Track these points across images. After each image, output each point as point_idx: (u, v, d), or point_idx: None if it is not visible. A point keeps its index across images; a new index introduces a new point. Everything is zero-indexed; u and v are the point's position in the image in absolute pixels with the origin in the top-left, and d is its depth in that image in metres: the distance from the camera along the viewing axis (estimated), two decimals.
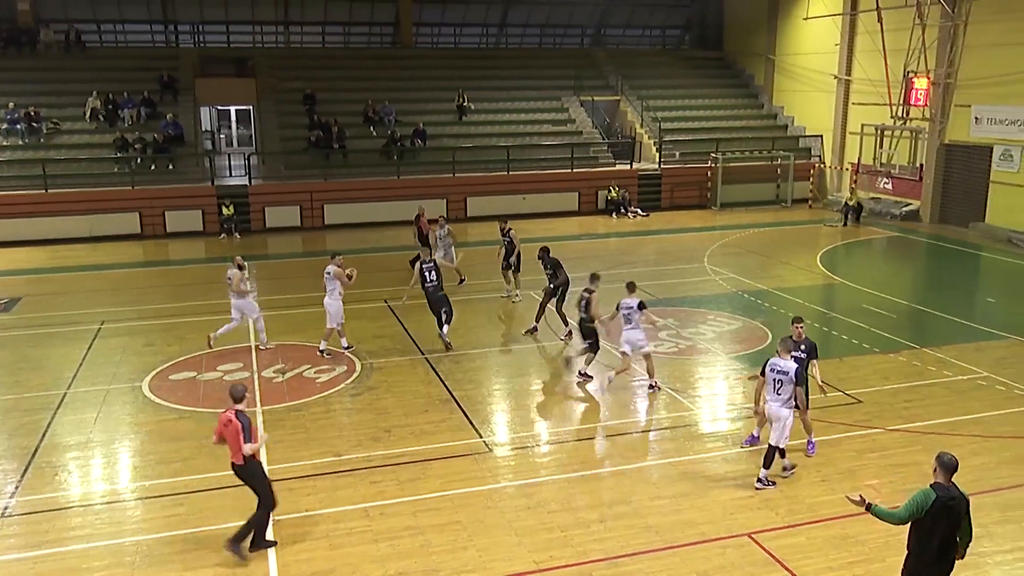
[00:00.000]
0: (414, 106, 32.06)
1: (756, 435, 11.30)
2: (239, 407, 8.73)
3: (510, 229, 18.81)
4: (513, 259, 18.67)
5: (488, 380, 13.98)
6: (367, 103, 31.06)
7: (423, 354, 15.09)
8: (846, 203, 29.03)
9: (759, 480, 10.09)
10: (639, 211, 30.44)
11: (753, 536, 9.03)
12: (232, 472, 8.80)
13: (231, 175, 30.07)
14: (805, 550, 8.77)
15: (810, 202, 32.36)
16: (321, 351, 14.93)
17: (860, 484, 10.14)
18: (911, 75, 27.69)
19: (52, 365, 14.64)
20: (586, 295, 13.65)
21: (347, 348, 15.17)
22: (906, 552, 7.00)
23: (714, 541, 8.94)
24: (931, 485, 6.76)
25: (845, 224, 28.27)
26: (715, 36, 40.30)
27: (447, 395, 13.16)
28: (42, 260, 23.45)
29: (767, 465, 10.09)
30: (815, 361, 11.04)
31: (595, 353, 13.87)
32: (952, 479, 6.72)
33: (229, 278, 15.04)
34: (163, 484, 10.30)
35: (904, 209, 29.18)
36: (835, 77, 31.84)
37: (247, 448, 8.53)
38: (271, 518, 8.95)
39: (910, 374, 13.98)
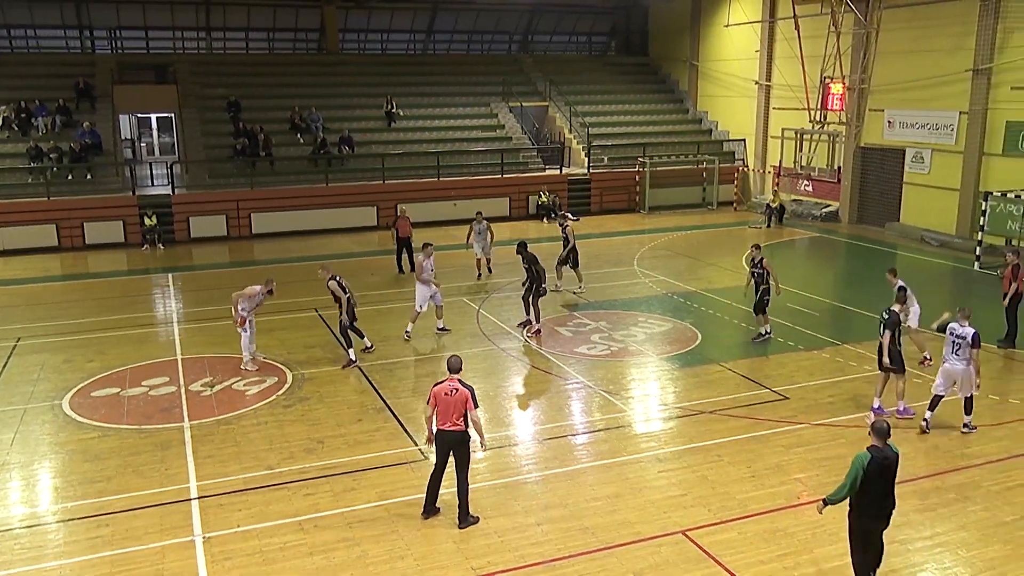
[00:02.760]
0: (342, 112, 31.78)
1: (879, 406, 12.45)
2: (458, 376, 9.24)
3: (567, 225, 19.54)
4: (567, 254, 19.50)
5: (423, 387, 13.88)
6: (294, 110, 30.63)
7: (355, 363, 14.93)
8: (769, 205, 29.85)
9: (965, 426, 11.70)
10: (569, 215, 30.60)
11: (687, 533, 9.19)
12: (442, 440, 9.15)
13: (153, 184, 29.30)
14: (737, 545, 8.97)
15: (735, 205, 33.17)
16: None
17: (788, 479, 10.43)
18: (827, 80, 28.67)
19: None
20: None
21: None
22: (848, 509, 7.81)
23: (649, 540, 9.07)
24: (867, 448, 7.66)
25: (769, 226, 29.06)
26: (640, 43, 41.02)
27: (381, 404, 13.05)
28: None
29: (969, 411, 11.65)
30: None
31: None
32: (886, 442, 7.64)
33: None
34: (86, 505, 9.95)
35: (824, 210, 30.15)
36: (756, 83, 32.73)
37: (477, 414, 9.14)
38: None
39: (833, 370, 14.44)
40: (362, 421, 12.39)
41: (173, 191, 27.38)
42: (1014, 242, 22.73)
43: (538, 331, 16.48)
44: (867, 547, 7.87)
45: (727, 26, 33.73)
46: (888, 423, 7.76)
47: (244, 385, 13.88)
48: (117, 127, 30.93)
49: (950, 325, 11.68)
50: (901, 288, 13.20)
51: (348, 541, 9.09)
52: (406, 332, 16.27)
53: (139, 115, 38.03)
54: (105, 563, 8.74)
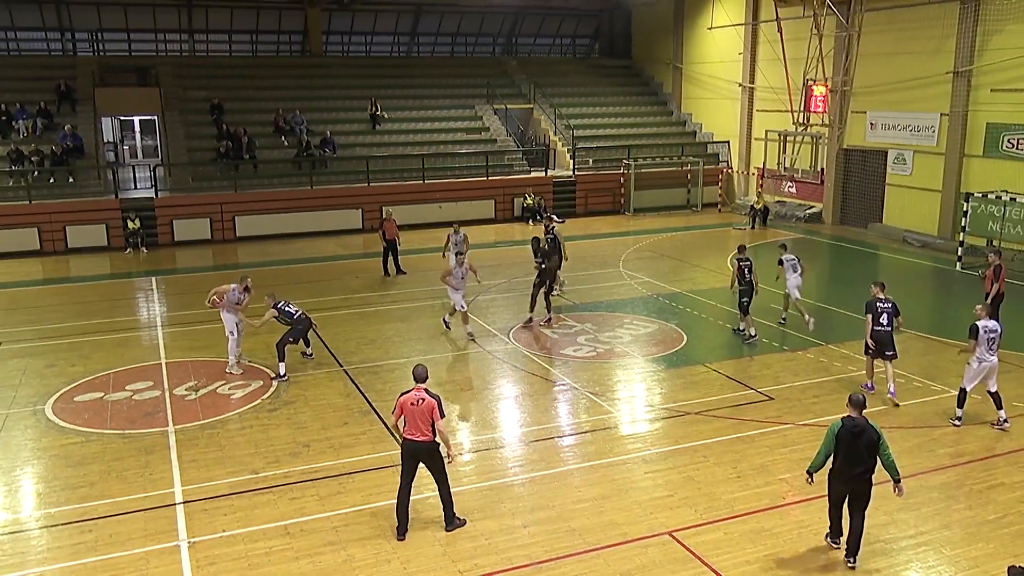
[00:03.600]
0: (326, 115, 31.70)
1: (871, 385, 13.39)
2: (424, 386, 9.11)
3: (553, 226, 19.28)
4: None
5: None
6: (277, 113, 30.52)
7: (341, 366, 14.89)
8: (753, 207, 30.00)
9: (1003, 420, 11.92)
10: (555, 217, 30.68)
11: (673, 534, 9.22)
12: (409, 450, 9.02)
13: (136, 187, 29.08)
14: (723, 545, 9.00)
15: (719, 206, 33.32)
16: None
17: (773, 479, 10.48)
18: (810, 83, 28.78)
19: None
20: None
21: None
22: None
23: (636, 541, 9.09)
24: (841, 417, 8.49)
25: (753, 227, 29.20)
26: (624, 45, 41.13)
27: (367, 407, 13.01)
28: None
29: (1001, 406, 11.90)
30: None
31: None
32: (862, 413, 8.37)
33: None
34: (69, 511, 9.86)
35: (807, 212, 30.34)
36: (739, 85, 32.90)
37: (443, 423, 8.99)
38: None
39: (817, 370, 14.52)
40: (348, 424, 12.35)
41: (156, 194, 27.21)
42: (995, 242, 22.95)
43: (530, 320, 17.20)
44: (838, 510, 8.74)
45: (710, 28, 33.87)
46: (863, 395, 8.61)
47: (229, 389, 13.81)
48: (99, 130, 30.72)
49: (980, 324, 11.78)
50: (780, 260, 16.18)
51: (334, 545, 9.06)
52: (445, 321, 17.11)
53: (121, 118, 37.76)
54: (89, 569, 8.66)
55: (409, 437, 9.03)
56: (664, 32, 37.44)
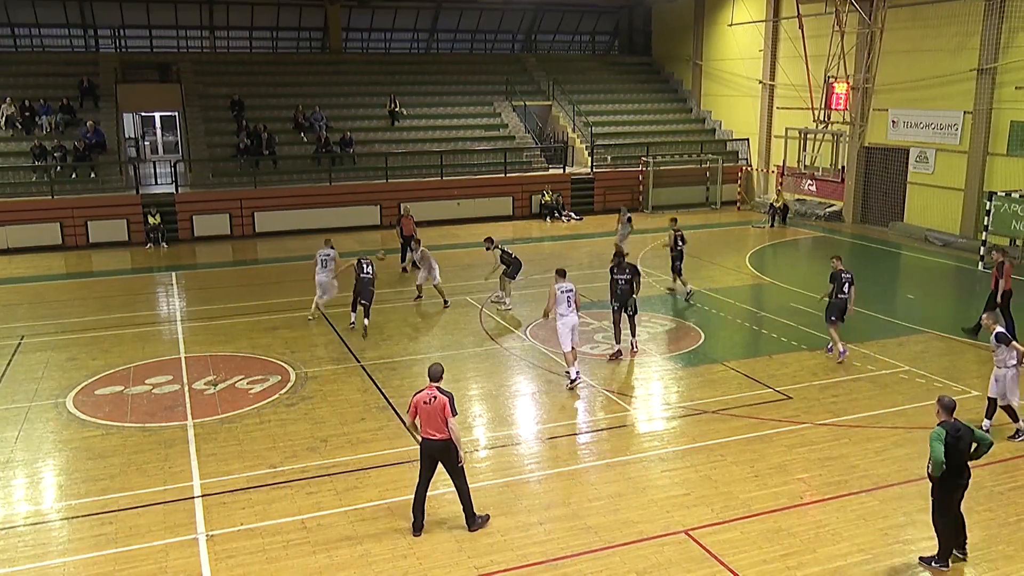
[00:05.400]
0: (345, 112, 31.80)
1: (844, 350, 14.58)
2: (438, 384, 9.15)
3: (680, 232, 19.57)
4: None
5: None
6: (297, 109, 30.65)
7: (359, 362, 14.95)
8: (772, 205, 29.79)
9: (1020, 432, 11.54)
10: (572, 215, 30.73)
11: (690, 533, 9.18)
12: (426, 448, 9.05)
13: (157, 183, 29.31)
14: (740, 545, 8.96)
15: (738, 204, 33.13)
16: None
17: (791, 479, 10.42)
18: (831, 80, 28.59)
19: None
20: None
21: None
22: (931, 485, 8.41)
23: (652, 539, 9.06)
24: (938, 424, 8.26)
25: (772, 225, 29.01)
26: (643, 42, 40.98)
27: (384, 402, 13.06)
28: None
29: (1016, 418, 11.56)
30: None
31: None
32: (953, 416, 8.30)
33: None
34: (90, 503, 9.96)
35: (828, 210, 30.10)
36: (760, 82, 32.68)
37: (453, 422, 8.98)
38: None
39: (836, 369, 14.41)
40: (365, 420, 12.40)
41: (176, 190, 27.41)
42: (1018, 242, 22.69)
43: (619, 353, 15.13)
44: (949, 514, 8.45)
45: (731, 25, 33.67)
46: (954, 399, 8.43)
47: (247, 384, 13.89)
48: (121, 126, 30.96)
49: (1000, 329, 11.48)
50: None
51: (351, 540, 9.10)
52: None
53: (143, 114, 38.12)
54: (109, 561, 8.75)
55: (425, 436, 9.06)
56: (684, 29, 37.26)
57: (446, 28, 40.72)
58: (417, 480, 9.22)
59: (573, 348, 13.60)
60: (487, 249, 18.52)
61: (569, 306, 13.54)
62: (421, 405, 9.02)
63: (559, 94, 35.71)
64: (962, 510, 8.56)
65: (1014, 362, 11.19)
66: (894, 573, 8.45)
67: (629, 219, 22.41)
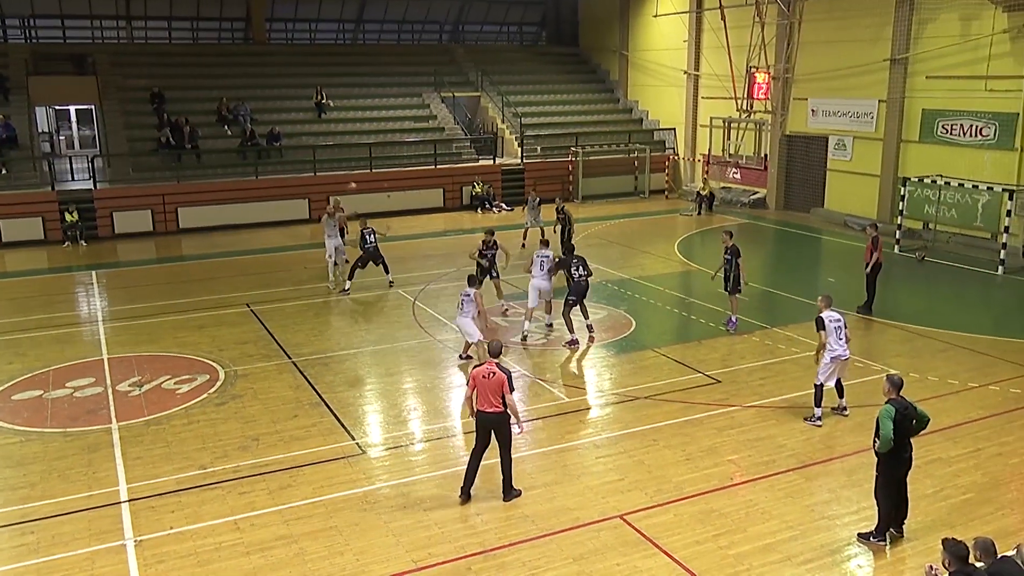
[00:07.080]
0: (271, 104, 31.17)
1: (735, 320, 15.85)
2: (497, 360, 9.63)
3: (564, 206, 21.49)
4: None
5: (359, 381, 13.79)
6: (221, 101, 29.90)
7: (290, 358, 14.72)
8: (699, 193, 30.36)
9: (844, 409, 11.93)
10: (504, 205, 30.78)
11: (624, 517, 9.34)
12: (481, 421, 9.47)
13: (74, 179, 28.21)
14: (673, 527, 9.15)
15: (666, 193, 33.66)
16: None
17: (721, 460, 10.67)
18: (753, 70, 29.25)
19: None
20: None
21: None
22: (876, 461, 8.65)
23: (588, 525, 9.19)
24: (887, 402, 8.48)
25: (699, 213, 29.56)
26: (570, 33, 41.19)
27: (317, 398, 12.90)
28: None
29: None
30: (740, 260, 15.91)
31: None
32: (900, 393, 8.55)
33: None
34: (9, 512, 9.59)
35: (752, 197, 30.82)
36: (685, 72, 33.21)
37: (513, 397, 9.41)
38: None
39: (763, 353, 14.81)
40: (298, 416, 12.23)
41: (95, 186, 26.48)
42: (931, 225, 23.61)
43: (575, 341, 15.30)
44: (899, 498, 8.73)
45: (656, 16, 34.10)
46: (901, 376, 8.79)
47: (174, 384, 13.55)
48: (34, 120, 29.74)
49: (824, 315, 11.56)
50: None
51: (286, 539, 8.98)
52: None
53: (57, 107, 36.58)
54: (31, 572, 8.45)
55: (481, 409, 9.52)
56: (610, 20, 37.58)
57: (372, 19, 40.20)
58: (472, 449, 9.70)
59: (533, 309, 15.66)
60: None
61: (541, 269, 15.55)
62: (480, 379, 9.47)
63: (488, 85, 35.67)
64: (907, 485, 8.82)
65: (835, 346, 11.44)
66: (821, 547, 8.75)
67: (539, 203, 23.56)
